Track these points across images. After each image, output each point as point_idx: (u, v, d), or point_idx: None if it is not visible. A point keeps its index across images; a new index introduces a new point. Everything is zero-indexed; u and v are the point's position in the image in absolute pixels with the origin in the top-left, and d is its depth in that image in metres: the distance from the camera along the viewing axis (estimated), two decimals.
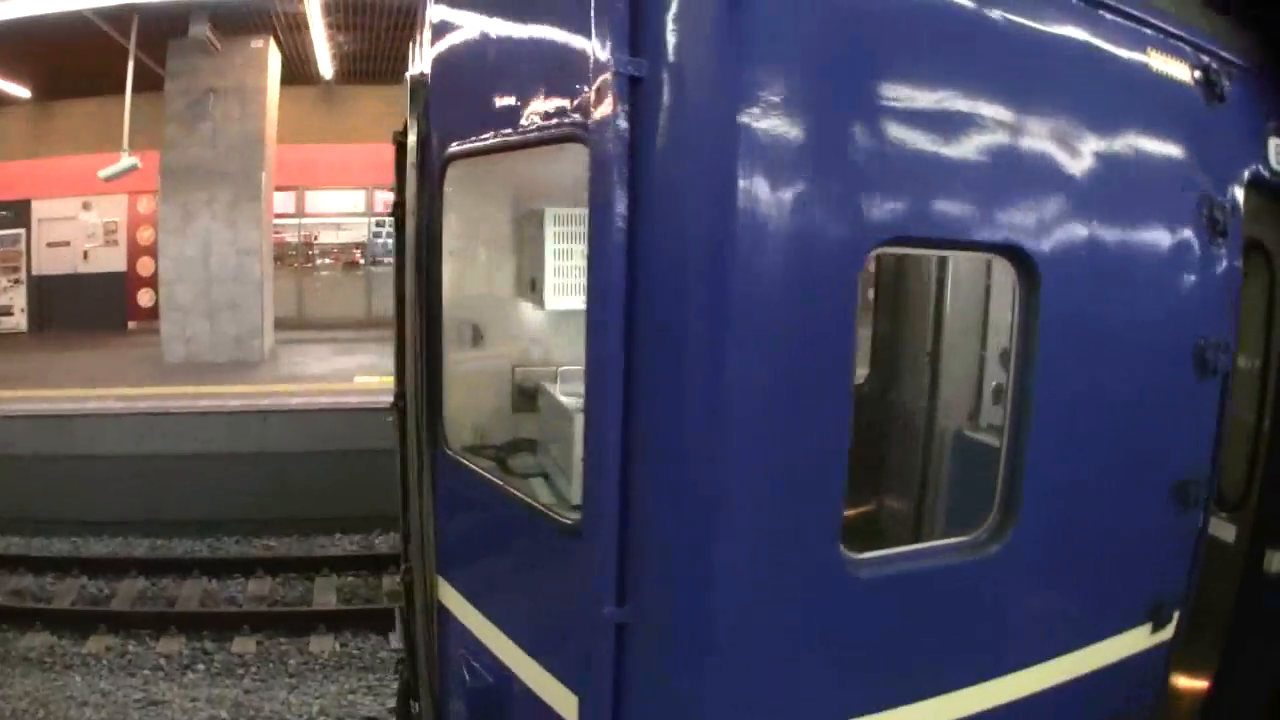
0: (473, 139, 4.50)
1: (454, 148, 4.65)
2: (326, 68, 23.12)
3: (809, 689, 3.63)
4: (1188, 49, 4.52)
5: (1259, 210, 5.13)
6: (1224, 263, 4.68)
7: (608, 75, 3.17)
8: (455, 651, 4.93)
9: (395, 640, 8.21)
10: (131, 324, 25.92)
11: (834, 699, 3.72)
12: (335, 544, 16.48)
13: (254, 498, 16.54)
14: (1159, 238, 4.46)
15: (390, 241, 26.97)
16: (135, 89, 19.04)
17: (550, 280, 5.33)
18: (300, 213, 26.41)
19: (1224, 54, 4.75)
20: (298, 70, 22.09)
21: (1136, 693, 5.01)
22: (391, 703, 11.14)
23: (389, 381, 16.48)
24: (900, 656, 3.87)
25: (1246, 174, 4.86)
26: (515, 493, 4.51)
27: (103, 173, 19.10)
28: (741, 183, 3.11)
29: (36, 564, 14.86)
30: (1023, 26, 3.83)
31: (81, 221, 25.77)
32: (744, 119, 3.10)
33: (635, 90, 3.19)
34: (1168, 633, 4.96)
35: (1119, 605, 4.77)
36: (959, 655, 4.13)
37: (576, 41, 3.45)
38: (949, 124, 3.60)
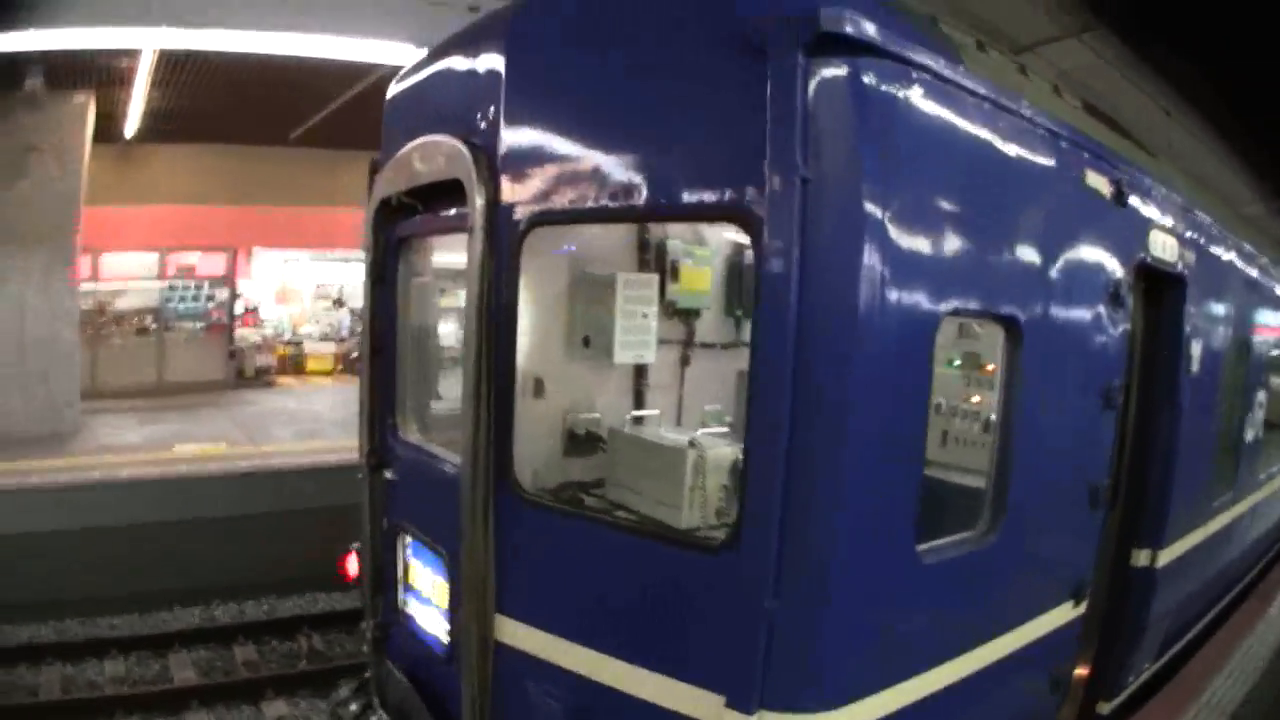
0: (570, 207, 5.10)
1: (541, 214, 5.17)
2: (132, 125, 22.24)
3: (897, 640, 4.92)
4: (1108, 166, 6.42)
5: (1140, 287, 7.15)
6: (1121, 325, 6.63)
7: (788, 176, 4.09)
8: (518, 685, 5.31)
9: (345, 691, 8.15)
10: None
11: (912, 648, 5.02)
12: (177, 619, 15.79)
13: (95, 574, 15.60)
14: (1085, 308, 6.19)
15: (181, 306, 26.39)
16: None
17: (619, 338, 6.06)
18: (94, 276, 25.02)
19: (1129, 171, 6.80)
20: (101, 128, 21.11)
21: (1065, 653, 6.73)
22: None
23: (210, 450, 16.27)
24: (945, 621, 5.25)
25: (1136, 259, 6.89)
26: (633, 524, 5.43)
27: None
28: (865, 263, 4.25)
29: None
30: (1022, 159, 5.47)
31: None
32: (868, 217, 4.24)
33: (804, 189, 4.10)
34: (1083, 608, 6.70)
35: (1060, 583, 6.44)
36: (978, 619, 5.54)
37: (736, 138, 4.30)
38: (979, 233, 5.07)
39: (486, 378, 5.25)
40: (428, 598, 6.34)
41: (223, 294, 28.79)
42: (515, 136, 5.32)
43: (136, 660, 14.08)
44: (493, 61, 5.53)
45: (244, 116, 23.58)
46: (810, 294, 4.15)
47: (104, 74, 18.67)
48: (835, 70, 4.20)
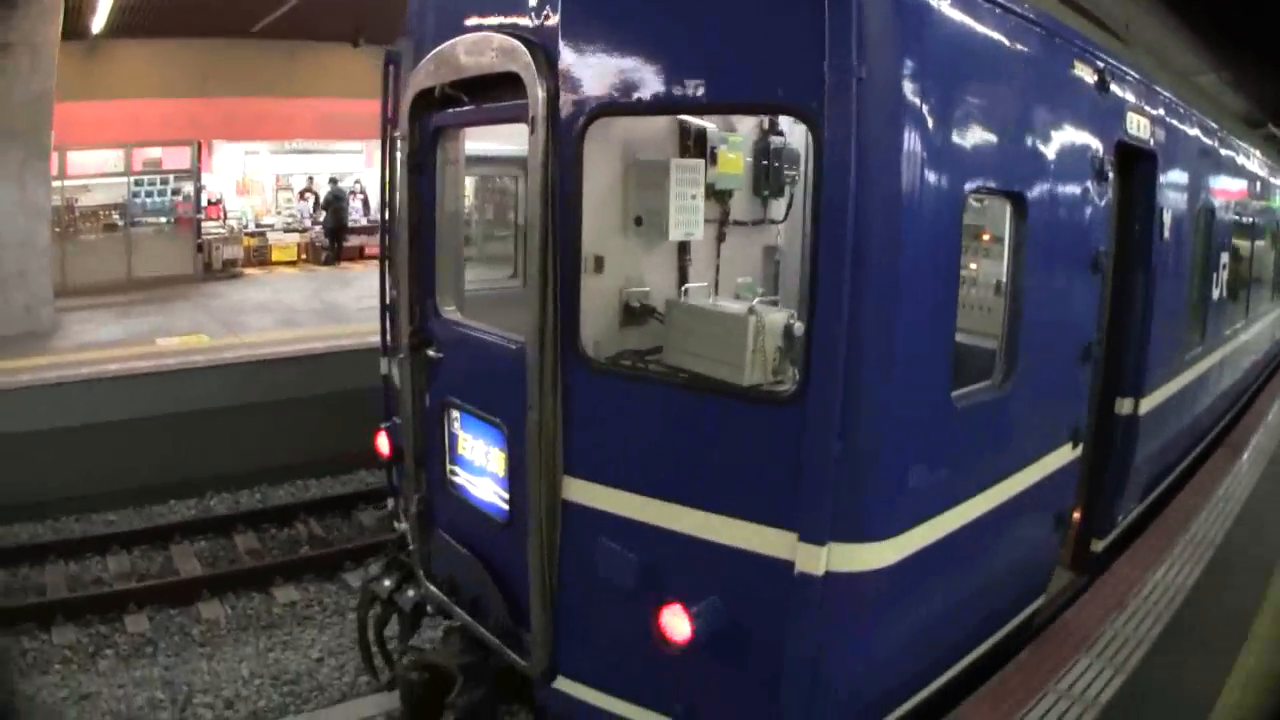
0: (633, 99, 5.39)
1: (605, 105, 5.46)
2: (99, 21, 21.72)
3: (937, 477, 5.57)
4: (1091, 57, 7.10)
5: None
6: (1105, 198, 7.30)
7: (846, 77, 4.58)
8: (587, 540, 5.69)
9: (376, 568, 8.49)
10: None
11: (949, 484, 5.66)
12: (173, 511, 15.78)
13: (87, 471, 15.48)
14: (1076, 184, 6.81)
15: (149, 201, 26.07)
16: None
17: (673, 217, 6.41)
18: (61, 173, 24.42)
19: (1108, 59, 7.43)
20: (69, 24, 20.45)
21: (1069, 490, 7.51)
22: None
23: (191, 341, 16.16)
24: (974, 458, 5.96)
25: (1116, 139, 7.55)
26: (701, 383, 5.88)
27: None
28: (906, 149, 4.86)
29: None
30: (1025, 54, 6.12)
31: None
32: (909, 110, 4.88)
33: (859, 87, 4.59)
34: (1079, 451, 7.46)
35: (1060, 428, 7.12)
36: (996, 456, 6.24)
37: (798, 42, 4.76)
38: (996, 118, 5.73)
39: (553, 258, 5.52)
40: (481, 467, 6.55)
41: (188, 187, 28.37)
42: (574, 32, 5.50)
43: (141, 554, 14.08)
44: None
45: (208, 9, 23.19)
46: (865, 175, 4.65)
47: None
48: None
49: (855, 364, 4.77)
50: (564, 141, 5.50)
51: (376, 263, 25.22)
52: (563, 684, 5.97)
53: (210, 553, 14.26)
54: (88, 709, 10.09)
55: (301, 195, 32.94)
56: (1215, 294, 12.19)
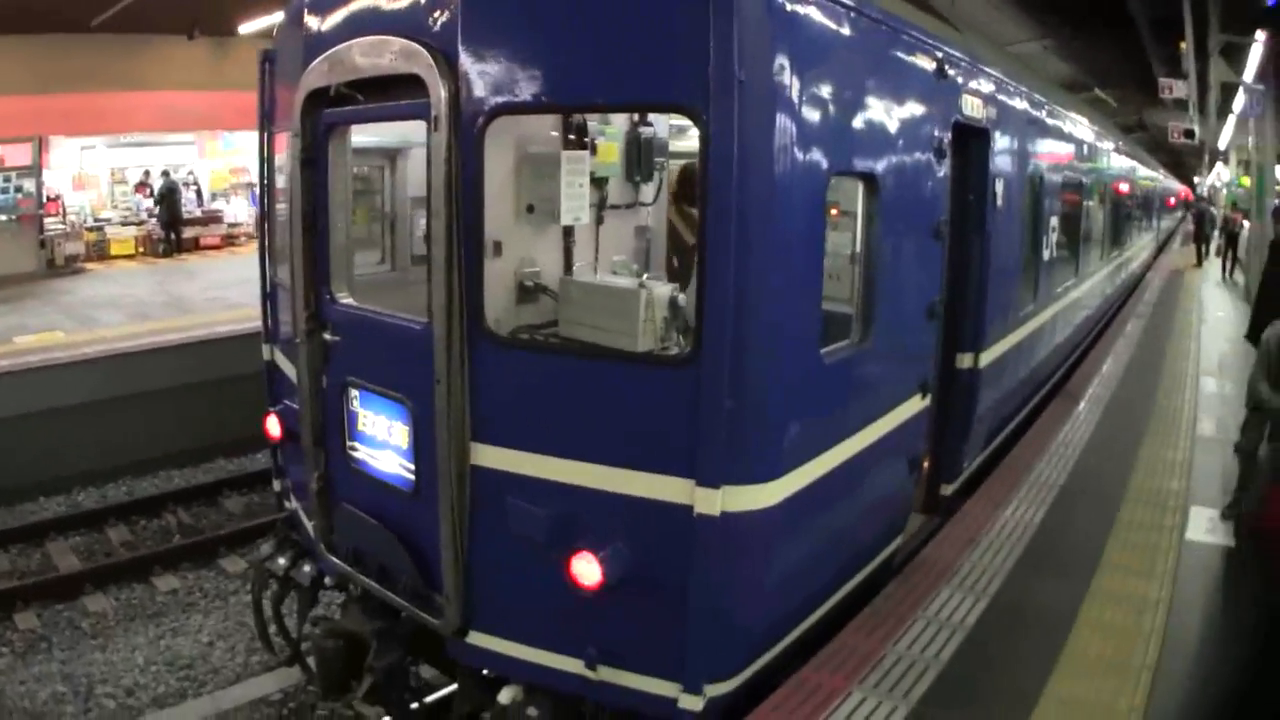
0: (531, 99, 5.80)
1: (504, 105, 5.82)
2: None
3: (810, 426, 6.15)
4: (929, 46, 7.68)
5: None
6: (943, 172, 7.95)
7: (731, 77, 5.03)
8: (497, 501, 6.00)
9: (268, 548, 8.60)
10: None
11: (820, 432, 6.28)
12: (43, 508, 15.75)
13: None
14: (918, 159, 7.47)
15: None
16: None
17: (564, 204, 6.88)
18: None
19: (946, 49, 8.07)
20: None
21: (920, 438, 8.19)
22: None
23: (48, 338, 16.06)
24: (840, 408, 6.60)
25: (953, 119, 8.17)
26: (599, 350, 6.35)
27: None
28: (778, 141, 5.41)
29: None
30: (875, 50, 6.83)
31: None
32: (781, 105, 5.41)
33: (740, 88, 5.05)
34: (928, 401, 8.13)
35: (911, 380, 7.80)
36: (858, 407, 6.85)
37: (685, 48, 5.17)
38: (852, 108, 6.34)
39: (457, 244, 5.84)
40: (384, 442, 6.77)
41: (30, 184, 27.90)
42: (473, 35, 5.76)
43: (19, 552, 14.08)
44: None
45: (45, 4, 22.77)
46: (745, 165, 5.16)
47: None
48: None
49: (741, 328, 5.26)
50: (465, 139, 5.79)
51: (214, 254, 25.11)
52: (476, 638, 6.25)
53: (86, 547, 14.31)
54: None
55: (138, 188, 32.29)
56: (1046, 255, 13.02)
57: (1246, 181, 35.07)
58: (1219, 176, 46.66)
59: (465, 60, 5.79)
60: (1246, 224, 31.37)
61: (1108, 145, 20.94)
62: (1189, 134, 32.28)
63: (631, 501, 5.59)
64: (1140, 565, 8.18)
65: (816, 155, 5.86)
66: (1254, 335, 10.95)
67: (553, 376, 6.01)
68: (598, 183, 7.62)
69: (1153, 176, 34.74)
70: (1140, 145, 36.05)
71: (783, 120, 5.44)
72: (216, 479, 16.62)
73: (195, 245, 31.95)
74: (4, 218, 27.29)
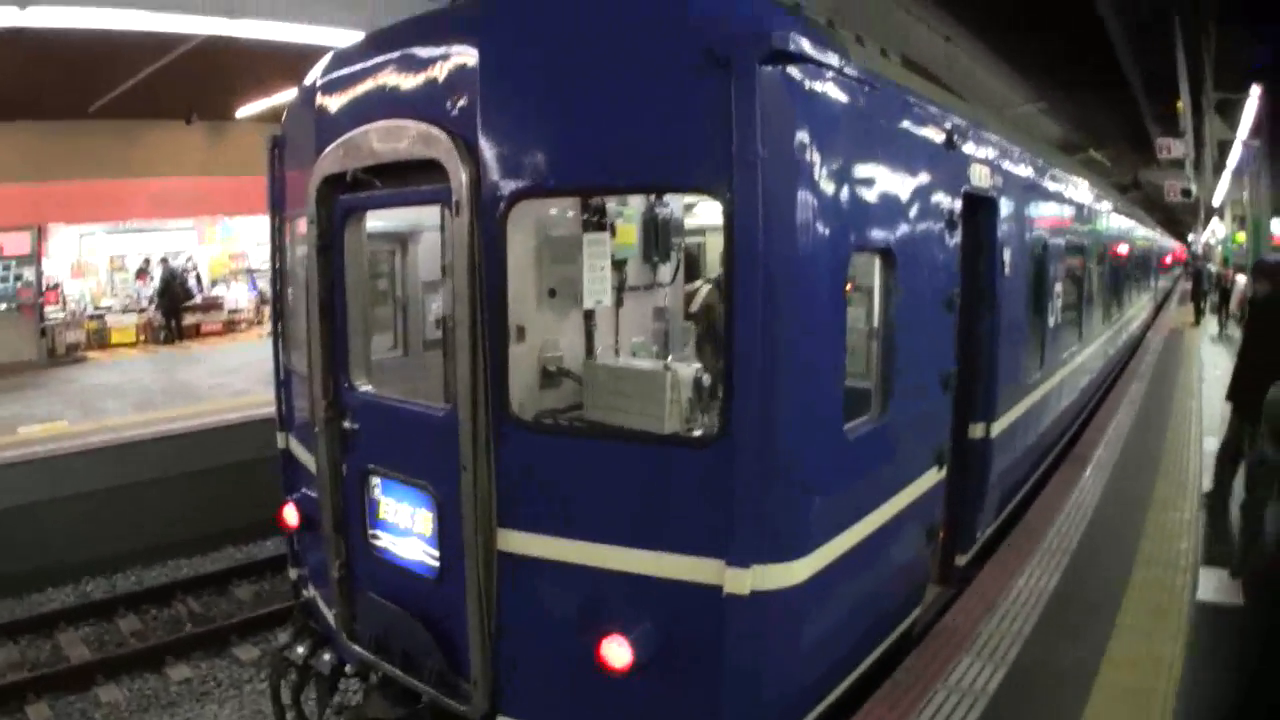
0: (553, 183, 5.98)
1: (527, 189, 5.92)
2: None
3: (835, 502, 6.15)
4: (941, 118, 7.80)
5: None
6: (955, 243, 7.99)
7: (753, 156, 5.08)
8: (523, 586, 6.06)
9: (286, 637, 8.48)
10: None
11: (844, 508, 6.27)
12: (50, 599, 15.75)
13: None
14: (931, 231, 7.51)
15: None
16: None
17: (587, 287, 6.90)
18: None
19: (955, 118, 8.20)
20: None
21: (937, 508, 8.21)
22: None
23: (53, 428, 16.14)
24: (862, 484, 6.59)
25: (962, 189, 8.21)
26: (628, 433, 6.34)
27: None
28: (801, 218, 5.45)
29: None
30: (888, 124, 6.83)
31: None
32: (804, 183, 5.47)
33: (762, 167, 5.10)
34: (944, 472, 8.17)
35: (928, 452, 7.82)
36: (879, 481, 6.86)
37: (707, 129, 5.20)
38: (869, 183, 6.33)
39: (481, 330, 5.90)
40: (406, 529, 6.82)
41: (30, 273, 28.04)
42: (492, 120, 5.85)
43: (28, 643, 14.03)
44: (464, 53, 6.00)
45: (45, 91, 23.04)
46: (769, 241, 5.21)
47: None
48: (780, 76, 5.31)
49: (769, 407, 5.31)
50: (487, 223, 5.86)
51: (215, 340, 25.18)
52: None
53: (96, 637, 14.23)
54: None
55: (139, 276, 32.49)
56: (1052, 321, 13.06)
57: (1241, 238, 35.46)
58: (1213, 233, 47.19)
59: (485, 144, 5.85)
60: (1241, 278, 31.65)
61: (1106, 206, 21.15)
62: (1186, 193, 32.65)
63: (661, 583, 5.61)
64: (1154, 627, 8.25)
65: (838, 231, 5.90)
66: (1234, 395, 11.01)
67: (579, 460, 6.04)
68: (617, 265, 7.65)
69: (1150, 236, 35.04)
70: (1136, 204, 36.43)
71: (804, 196, 5.49)
72: (226, 567, 16.57)
73: (196, 331, 32.09)
74: (4, 306, 27.42)
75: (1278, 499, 8.69)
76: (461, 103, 5.99)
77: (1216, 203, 38.92)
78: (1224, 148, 27.58)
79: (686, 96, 5.38)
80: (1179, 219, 47.85)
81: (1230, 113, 22.89)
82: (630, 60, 5.60)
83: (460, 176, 5.85)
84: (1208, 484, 11.49)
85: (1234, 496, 10.92)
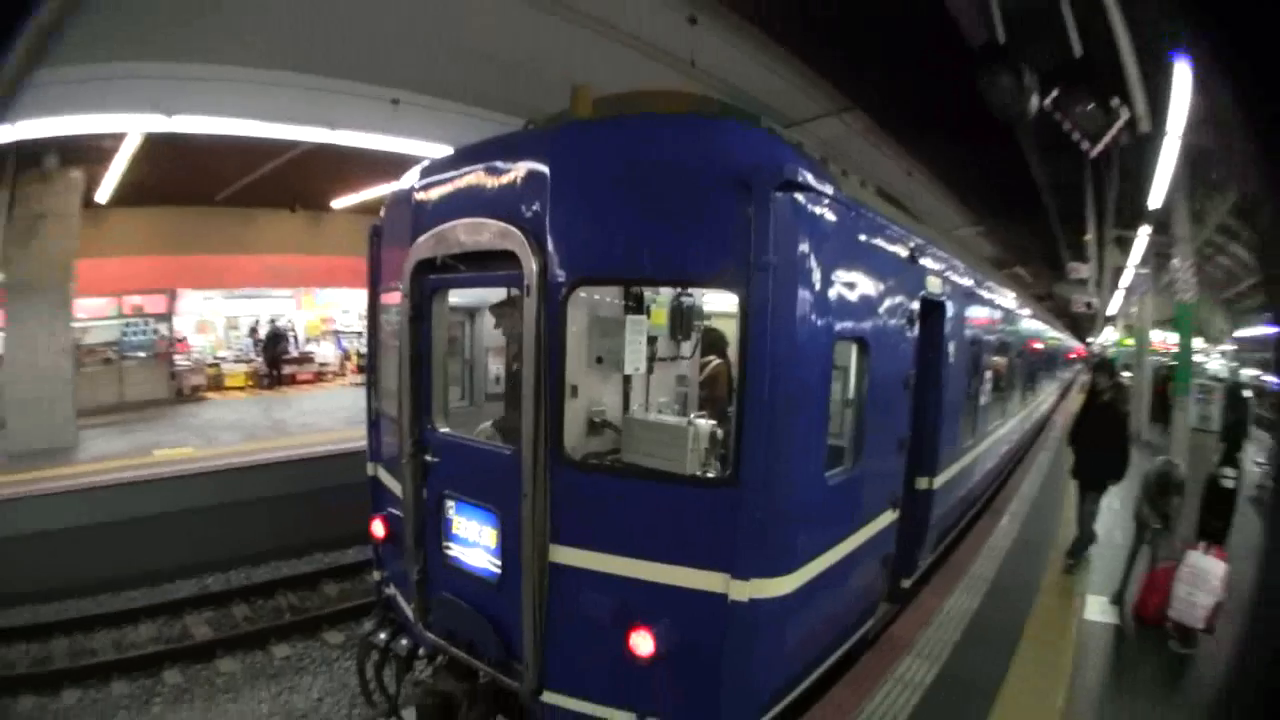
0: (605, 273, 6.38)
1: (584, 278, 6.28)
2: (104, 193, 22.06)
3: (816, 533, 6.58)
4: (906, 238, 8.30)
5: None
6: (913, 336, 8.54)
7: (766, 261, 5.52)
8: (569, 590, 6.30)
9: (370, 625, 8.80)
10: None
11: (822, 537, 6.69)
12: (178, 589, 16.07)
13: (112, 558, 15.85)
14: (896, 326, 7.97)
15: (135, 338, 26.22)
16: None
17: (627, 357, 7.02)
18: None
19: (916, 238, 8.74)
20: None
21: (890, 541, 8.61)
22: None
23: (182, 453, 16.46)
24: (837, 519, 7.04)
25: (920, 294, 8.69)
26: (654, 473, 6.45)
27: None
28: (799, 311, 5.82)
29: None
30: (867, 240, 7.22)
31: None
32: (801, 282, 5.82)
33: (773, 269, 5.54)
34: (896, 514, 8.62)
35: (885, 497, 8.29)
36: (849, 518, 7.31)
37: (730, 237, 5.62)
38: (851, 285, 6.70)
39: (544, 386, 6.27)
40: (475, 542, 7.12)
41: (164, 328, 28.76)
42: (558, 222, 6.18)
43: (163, 623, 14.42)
44: (537, 166, 6.34)
45: (181, 184, 23.68)
46: (776, 329, 5.61)
47: (92, 153, 18.67)
48: (788, 200, 5.68)
49: (771, 456, 5.66)
50: (551, 303, 6.13)
51: (306, 387, 25.37)
52: (548, 697, 6.49)
53: (215, 620, 14.61)
54: None
55: (250, 333, 33.00)
56: (982, 400, 13.57)
57: (1129, 342, 36.17)
58: (1106, 337, 48.48)
59: (552, 241, 6.15)
60: (1126, 374, 32.38)
61: (1026, 312, 21.55)
62: (1088, 305, 33.31)
63: (678, 590, 5.90)
64: (1050, 639, 8.86)
65: (827, 322, 6.26)
66: (1077, 472, 11.48)
67: (617, 493, 6.29)
68: (650, 340, 7.83)
69: (1059, 337, 35.36)
70: (1049, 311, 37.00)
71: (804, 294, 5.84)
72: (316, 569, 16.86)
73: (292, 380, 32.41)
74: (143, 354, 28.00)
75: (1149, 545, 9.71)
76: (535, 206, 6.29)
77: (1110, 313, 39.62)
78: (1118, 273, 28.23)
79: (715, 212, 5.70)
80: (1080, 324, 48.58)
81: (1125, 245, 23.53)
82: (671, 181, 5.88)
83: (531, 265, 6.16)
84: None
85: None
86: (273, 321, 32.65)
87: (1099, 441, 10.72)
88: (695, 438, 6.62)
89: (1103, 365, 12.09)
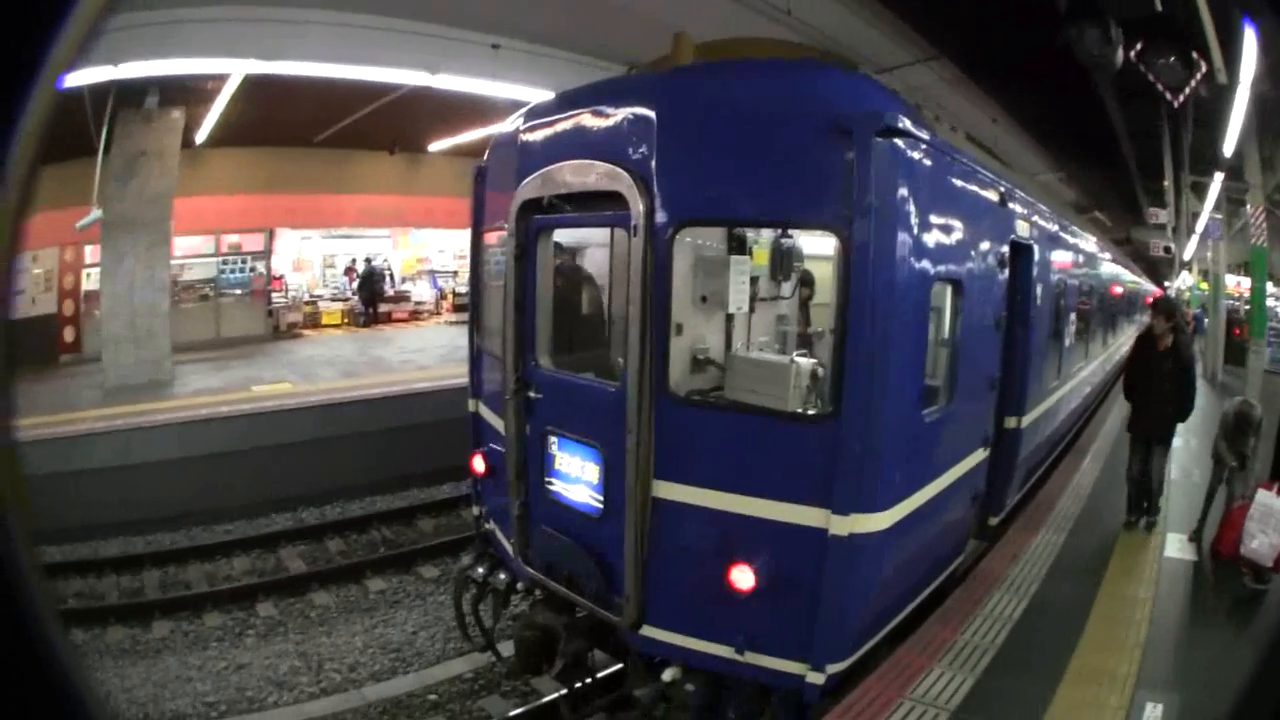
0: (711, 215, 6.45)
1: (690, 219, 6.34)
2: (203, 134, 22.40)
3: (913, 470, 6.56)
4: (996, 183, 8.29)
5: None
6: (1003, 279, 8.55)
7: (868, 204, 5.54)
8: (671, 524, 6.39)
9: (467, 559, 8.95)
10: (64, 357, 23.80)
11: (919, 474, 6.68)
12: (274, 522, 16.32)
13: (210, 490, 16.10)
14: (988, 268, 8.00)
15: (232, 276, 26.58)
16: (71, 155, 18.17)
17: (731, 296, 7.08)
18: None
19: (1005, 184, 8.77)
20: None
21: (981, 479, 8.70)
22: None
23: (278, 388, 16.73)
24: (932, 457, 7.05)
25: (1010, 238, 8.71)
26: (759, 408, 6.40)
27: (79, 224, 17.99)
28: (899, 252, 5.79)
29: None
30: (961, 184, 7.24)
31: (31, 273, 23.09)
32: (901, 225, 5.80)
33: (874, 211, 5.54)
34: (987, 452, 8.69)
35: (978, 436, 8.37)
36: (944, 456, 7.34)
37: (832, 181, 5.67)
38: (947, 229, 6.72)
39: (650, 325, 6.29)
40: (577, 477, 7.14)
41: (261, 266, 29.18)
42: (664, 165, 6.23)
43: (257, 556, 14.66)
44: (644, 110, 6.37)
45: (280, 125, 23.88)
46: (877, 268, 5.62)
47: (194, 94, 18.93)
48: (888, 145, 5.65)
49: (872, 393, 5.67)
50: (658, 244, 6.23)
51: (402, 325, 25.70)
52: (648, 630, 6.56)
53: (310, 554, 14.83)
54: (245, 675, 10.70)
55: (346, 272, 33.34)
56: (1066, 341, 13.59)
57: (1205, 285, 36.67)
58: (1184, 281, 48.09)
59: (659, 183, 6.23)
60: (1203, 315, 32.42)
61: (1106, 256, 21.54)
62: (1166, 250, 32.91)
63: (778, 525, 5.94)
64: (1132, 575, 9.07)
65: (924, 263, 6.23)
66: (1135, 426, 10.85)
67: (719, 429, 6.35)
68: (752, 280, 7.83)
69: (1137, 280, 35.03)
70: (1128, 255, 36.66)
71: (903, 237, 5.82)
72: (411, 504, 16.98)
73: (388, 318, 32.69)
74: (241, 292, 28.56)
75: (1225, 484, 10.00)
76: (641, 149, 6.33)
77: (1187, 258, 39.18)
78: (1194, 218, 28.16)
79: (818, 157, 5.75)
80: (1158, 269, 47.94)
81: (1201, 192, 23.35)
82: (775, 127, 5.94)
83: (639, 206, 6.23)
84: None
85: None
86: (369, 261, 32.90)
87: (1164, 392, 10.16)
88: (798, 375, 6.59)
89: (1159, 305, 11.28)
